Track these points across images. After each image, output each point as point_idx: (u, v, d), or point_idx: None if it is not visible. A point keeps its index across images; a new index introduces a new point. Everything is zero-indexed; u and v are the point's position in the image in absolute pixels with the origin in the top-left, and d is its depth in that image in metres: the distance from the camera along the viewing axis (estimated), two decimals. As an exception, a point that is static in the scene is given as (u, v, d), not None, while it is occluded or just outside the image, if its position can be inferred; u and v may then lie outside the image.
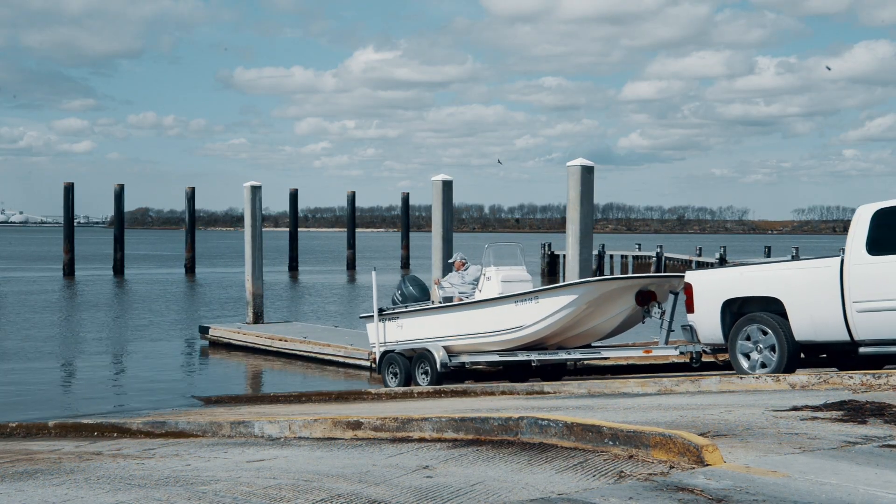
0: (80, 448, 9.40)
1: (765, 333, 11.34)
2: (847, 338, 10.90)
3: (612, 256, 60.79)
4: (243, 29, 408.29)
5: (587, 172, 19.17)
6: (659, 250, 56.12)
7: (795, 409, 7.94)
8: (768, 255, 57.92)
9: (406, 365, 15.65)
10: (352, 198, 69.32)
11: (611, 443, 6.14)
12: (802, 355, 11.66)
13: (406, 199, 70.00)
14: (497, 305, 14.67)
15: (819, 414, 7.61)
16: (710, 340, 12.21)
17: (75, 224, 59.02)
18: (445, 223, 23.34)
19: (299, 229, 70.16)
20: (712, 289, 12.04)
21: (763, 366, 11.41)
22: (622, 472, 5.59)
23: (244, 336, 25.08)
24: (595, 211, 22.48)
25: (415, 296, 16.56)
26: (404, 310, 16.28)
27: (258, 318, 27.57)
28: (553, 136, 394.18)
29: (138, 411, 14.37)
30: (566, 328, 14.21)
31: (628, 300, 13.81)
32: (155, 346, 26.88)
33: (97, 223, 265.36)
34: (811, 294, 11.03)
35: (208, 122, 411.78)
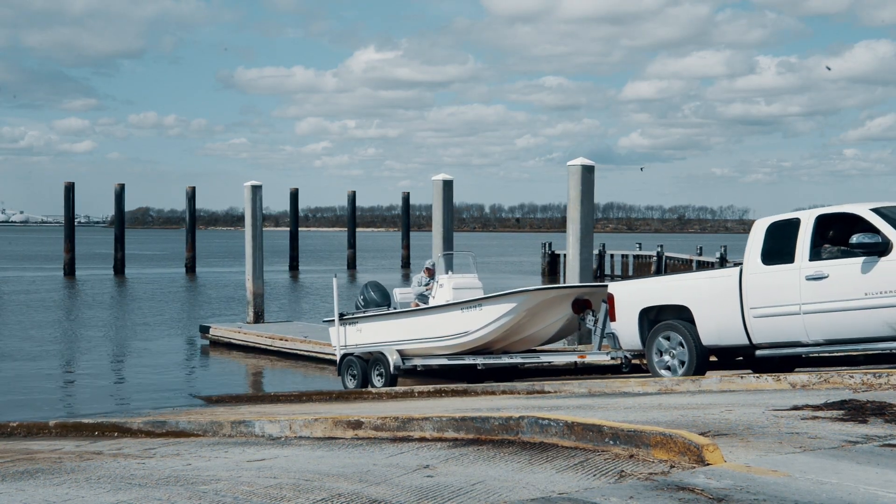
0: (80, 447, 9.41)
1: (676, 339, 12.03)
2: (746, 341, 11.60)
3: (612, 256, 60.71)
4: (245, 29, 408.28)
5: (587, 172, 19.17)
6: (659, 250, 56.09)
7: (796, 408, 7.94)
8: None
9: (364, 367, 16.38)
10: (352, 197, 69.31)
11: (611, 442, 6.14)
12: (715, 359, 12.52)
13: (406, 198, 69.97)
14: (445, 312, 15.51)
15: (820, 413, 7.61)
16: (630, 346, 12.90)
17: (76, 224, 59.02)
18: (446, 223, 23.34)
19: (300, 229, 70.17)
20: (631, 299, 12.76)
21: (669, 369, 12.11)
22: (623, 471, 5.59)
23: (245, 335, 25.09)
24: (595, 210, 22.48)
25: (376, 301, 17.32)
26: (363, 315, 17.03)
27: (259, 317, 27.58)
28: (554, 135, 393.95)
29: (139, 411, 14.38)
30: (508, 334, 15.01)
31: (565, 308, 14.63)
32: (155, 346, 26.88)
33: (98, 223, 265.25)
34: (715, 302, 11.77)
35: (209, 122, 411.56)
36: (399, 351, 16.03)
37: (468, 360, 15.44)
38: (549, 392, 11.54)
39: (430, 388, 13.26)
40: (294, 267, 64.76)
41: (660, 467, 5.61)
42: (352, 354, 16.66)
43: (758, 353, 11.72)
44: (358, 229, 73.81)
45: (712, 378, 10.55)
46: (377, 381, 16.02)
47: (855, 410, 7.62)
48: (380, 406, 12.00)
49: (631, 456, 5.93)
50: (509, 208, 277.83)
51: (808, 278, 10.90)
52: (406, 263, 66.40)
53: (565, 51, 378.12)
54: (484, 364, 15.33)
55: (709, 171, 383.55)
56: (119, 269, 58.11)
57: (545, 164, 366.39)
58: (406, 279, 57.54)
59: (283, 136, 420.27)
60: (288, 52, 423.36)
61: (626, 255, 59.91)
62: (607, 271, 58.88)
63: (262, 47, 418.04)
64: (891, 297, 10.26)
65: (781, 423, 7.15)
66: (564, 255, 26.87)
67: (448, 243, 23.12)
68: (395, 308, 17.11)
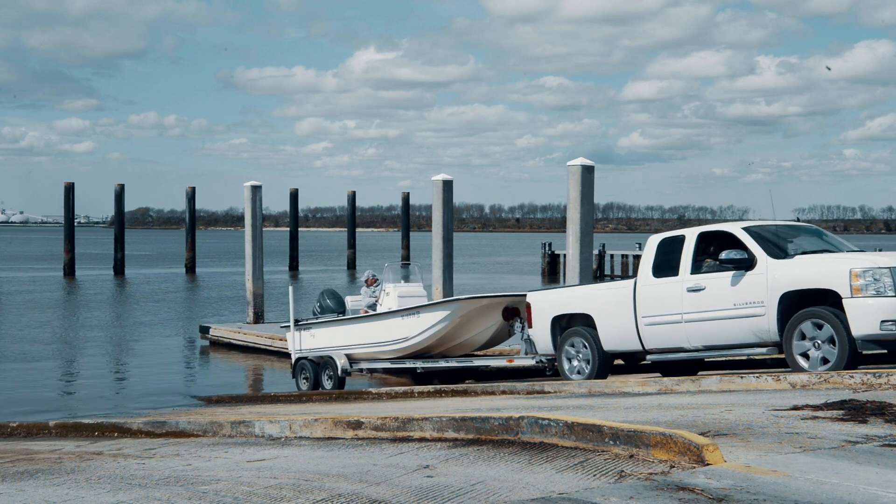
0: (80, 448, 9.41)
1: (582, 345, 13.11)
2: (640, 347, 12.61)
3: (612, 256, 60.72)
4: (246, 30, 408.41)
5: (587, 172, 19.16)
6: (659, 249, 55.98)
7: (796, 408, 7.93)
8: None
9: (315, 370, 17.25)
10: (352, 197, 69.32)
11: (611, 442, 6.14)
12: (622, 362, 13.81)
13: (406, 198, 69.95)
14: (388, 319, 16.48)
15: (820, 413, 7.61)
16: (544, 351, 13.86)
17: (76, 224, 59.00)
18: (446, 223, 23.33)
19: (300, 229, 70.17)
20: (545, 307, 13.75)
21: (579, 373, 13.13)
22: (623, 471, 5.59)
23: (245, 336, 25.09)
24: (595, 210, 22.50)
25: (331, 308, 18.19)
26: (315, 321, 17.89)
27: (259, 317, 27.58)
28: (554, 135, 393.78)
29: (139, 411, 14.39)
30: (445, 339, 15.97)
31: (496, 315, 15.60)
32: (155, 346, 26.89)
33: (97, 223, 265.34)
34: (613, 311, 12.78)
35: (209, 122, 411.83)
36: (347, 355, 16.88)
37: (409, 364, 16.37)
38: (548, 392, 11.54)
39: (430, 388, 13.26)
40: (294, 267, 64.78)
41: (660, 467, 5.61)
42: (305, 358, 17.56)
43: (648, 357, 12.76)
44: (358, 229, 73.83)
45: (712, 378, 10.55)
46: (327, 384, 16.88)
47: (855, 410, 7.62)
48: (380, 406, 12.00)
49: (631, 456, 5.93)
50: (509, 208, 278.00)
51: (689, 290, 11.88)
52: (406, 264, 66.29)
53: (566, 51, 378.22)
54: (423, 367, 16.20)
55: (709, 171, 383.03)
56: (119, 269, 58.12)
57: (545, 164, 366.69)
58: (404, 280, 57.37)
59: (283, 136, 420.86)
60: (289, 52, 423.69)
61: (626, 255, 59.88)
62: (607, 271, 58.86)
63: (263, 48, 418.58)
64: (754, 308, 11.22)
65: (781, 423, 7.15)
66: (564, 256, 26.85)
67: (448, 243, 23.12)
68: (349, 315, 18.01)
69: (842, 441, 6.35)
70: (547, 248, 61.86)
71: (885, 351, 11.18)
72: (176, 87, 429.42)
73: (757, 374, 10.55)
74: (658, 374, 13.14)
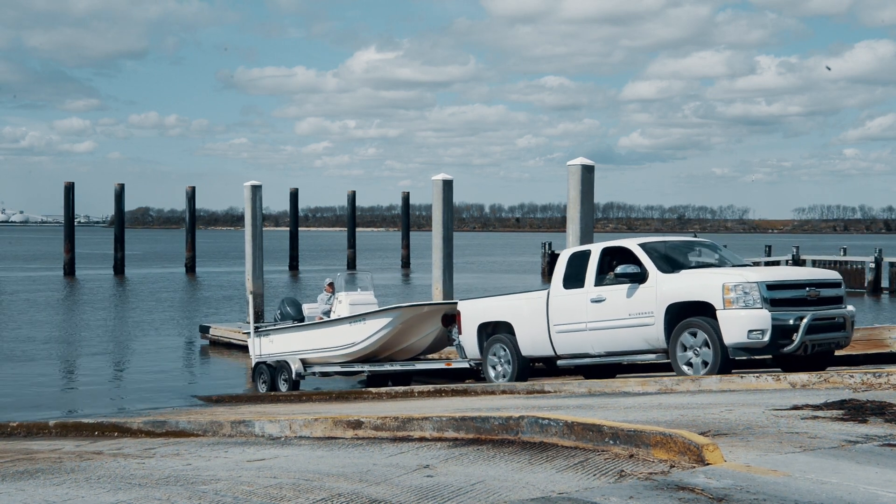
0: (80, 447, 9.41)
1: (503, 350, 14.14)
2: (552, 353, 13.62)
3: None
4: (247, 30, 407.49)
5: (587, 172, 19.16)
6: (659, 249, 55.93)
7: (796, 407, 7.94)
8: (769, 254, 57.84)
9: (272, 373, 18.03)
10: (352, 197, 69.33)
11: (611, 442, 6.14)
12: (542, 365, 14.59)
13: (406, 198, 69.99)
14: (337, 325, 17.38)
15: (820, 413, 7.61)
16: (472, 356, 14.90)
17: (76, 224, 59.02)
18: (446, 222, 23.34)
19: (300, 229, 70.19)
20: (472, 315, 14.78)
21: (504, 375, 14.04)
22: (623, 471, 5.59)
23: (245, 335, 25.05)
24: (595, 210, 22.48)
25: (291, 315, 19.11)
26: (273, 327, 18.88)
27: (259, 317, 27.57)
28: (554, 135, 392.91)
29: (139, 411, 14.39)
30: (389, 344, 16.83)
31: (436, 322, 16.48)
32: (155, 346, 26.89)
33: (97, 223, 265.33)
34: (529, 319, 13.80)
35: (210, 122, 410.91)
36: (302, 360, 17.63)
37: (357, 367, 17.36)
38: (548, 392, 11.55)
39: (430, 388, 13.27)
40: (294, 267, 64.79)
41: (660, 467, 5.61)
42: (264, 363, 18.26)
43: (559, 362, 13.72)
44: (358, 229, 73.83)
45: (712, 378, 10.57)
46: (282, 387, 17.61)
47: (855, 410, 7.63)
48: (379, 406, 12.00)
49: (631, 456, 5.93)
50: (509, 208, 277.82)
51: (592, 301, 12.88)
52: (406, 263, 66.41)
53: (566, 51, 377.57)
54: (371, 371, 17.17)
55: (709, 170, 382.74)
56: (119, 269, 58.12)
57: (545, 163, 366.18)
58: (406, 278, 57.56)
59: (283, 136, 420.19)
60: (289, 52, 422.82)
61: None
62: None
63: (264, 48, 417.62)
64: (645, 318, 12.21)
65: (781, 423, 7.16)
66: (564, 255, 26.82)
67: (448, 243, 23.13)
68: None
69: (842, 441, 6.35)
70: (547, 248, 61.85)
71: (770, 356, 12.05)
72: (176, 87, 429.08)
73: (757, 374, 10.57)
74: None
